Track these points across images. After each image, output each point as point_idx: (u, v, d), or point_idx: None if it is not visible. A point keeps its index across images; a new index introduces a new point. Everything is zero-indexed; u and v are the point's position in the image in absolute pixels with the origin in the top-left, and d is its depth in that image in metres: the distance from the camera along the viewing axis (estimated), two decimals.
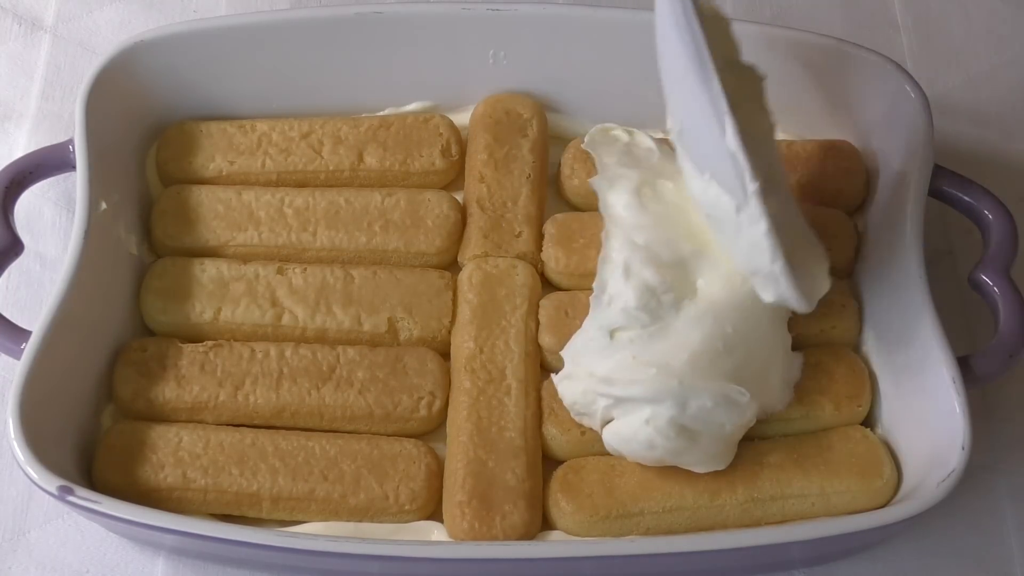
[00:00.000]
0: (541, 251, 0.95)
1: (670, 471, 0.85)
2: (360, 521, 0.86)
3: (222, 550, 0.86)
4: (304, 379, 0.90)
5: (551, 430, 0.89)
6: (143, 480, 0.86)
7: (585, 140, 0.95)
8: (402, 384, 0.89)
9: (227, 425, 0.89)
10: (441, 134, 0.99)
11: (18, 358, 0.84)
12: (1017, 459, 0.93)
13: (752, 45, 0.96)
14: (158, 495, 0.86)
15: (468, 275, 0.94)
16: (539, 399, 0.90)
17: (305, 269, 0.94)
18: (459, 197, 0.98)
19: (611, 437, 0.86)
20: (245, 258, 0.95)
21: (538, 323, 0.92)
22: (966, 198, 0.92)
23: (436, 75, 1.00)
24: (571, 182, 0.98)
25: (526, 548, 0.81)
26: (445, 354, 0.92)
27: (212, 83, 0.99)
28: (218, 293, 0.93)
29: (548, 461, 0.89)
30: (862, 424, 0.90)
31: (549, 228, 0.96)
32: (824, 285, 0.85)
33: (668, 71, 0.85)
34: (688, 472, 0.85)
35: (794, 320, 0.91)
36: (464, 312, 0.92)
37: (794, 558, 0.88)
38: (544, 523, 0.86)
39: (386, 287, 0.93)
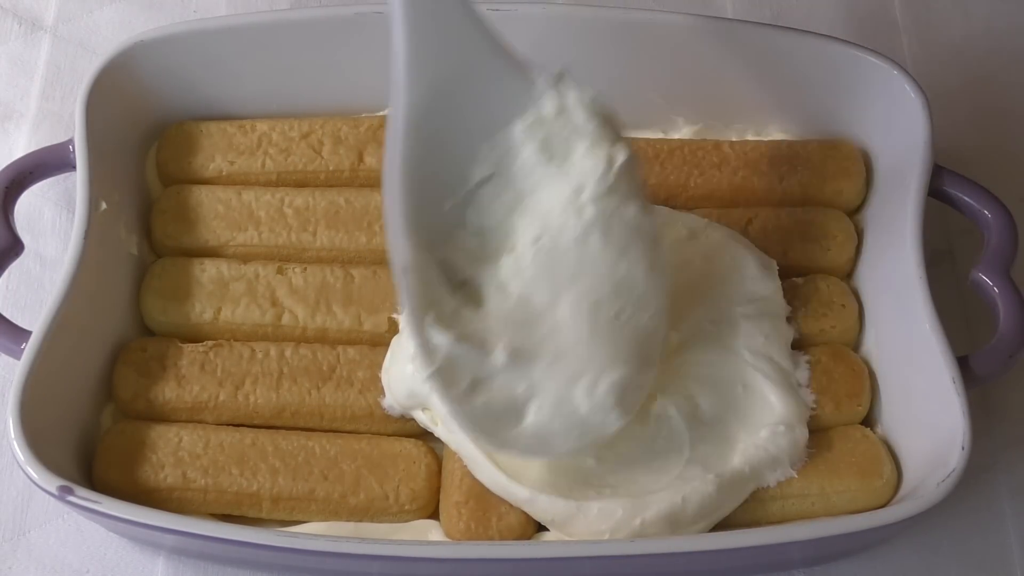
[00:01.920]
0: None
1: None
2: (360, 521, 0.87)
3: (222, 550, 0.86)
4: (304, 379, 0.90)
5: None
6: (143, 480, 0.86)
7: None
8: None
9: (227, 425, 0.89)
10: None
11: (18, 358, 0.84)
12: (1017, 459, 0.93)
13: (752, 45, 0.97)
14: (158, 495, 0.86)
15: None
16: None
17: (305, 269, 0.94)
18: None
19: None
20: (245, 258, 0.95)
21: None
22: (966, 198, 0.92)
23: None
24: None
25: (526, 548, 0.81)
26: None
27: (212, 83, 0.99)
28: (218, 293, 0.93)
29: None
30: (862, 424, 0.90)
31: None
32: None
33: None
34: None
35: (793, 320, 0.92)
36: None
37: (794, 558, 0.88)
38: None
39: (386, 287, 0.93)
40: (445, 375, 0.77)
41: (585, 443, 0.80)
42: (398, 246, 0.78)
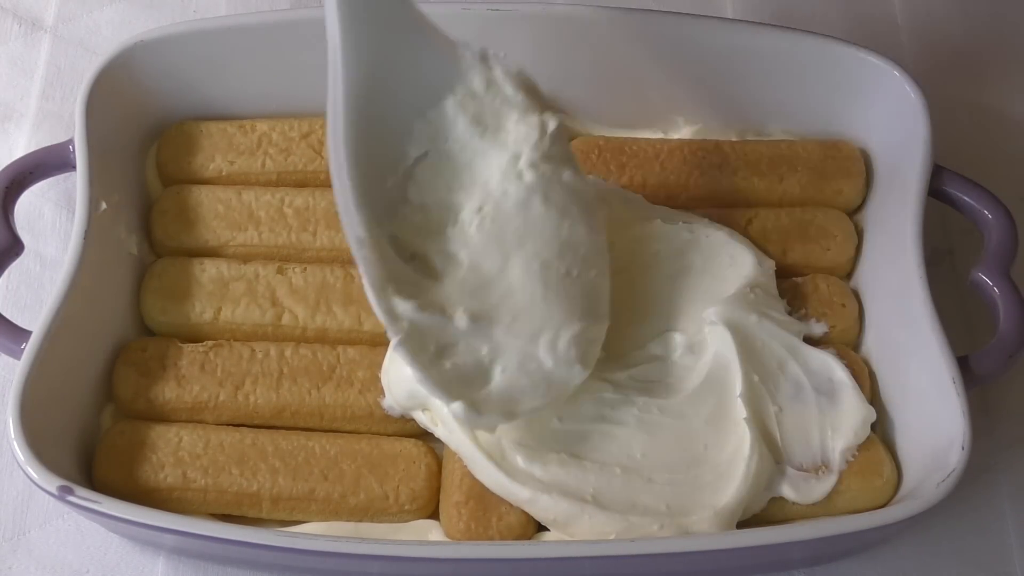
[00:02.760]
0: None
1: None
2: (360, 521, 0.87)
3: (222, 550, 0.86)
4: (304, 379, 0.90)
5: None
6: (143, 480, 0.86)
7: None
8: None
9: (227, 425, 0.89)
10: None
11: (18, 358, 0.84)
12: (1017, 459, 0.93)
13: (753, 45, 0.97)
14: (158, 495, 0.86)
15: None
16: None
17: (305, 269, 0.94)
18: None
19: None
20: (245, 258, 0.95)
21: None
22: (966, 198, 0.92)
23: None
24: None
25: (526, 548, 0.81)
26: None
27: (212, 83, 0.99)
28: (218, 293, 0.93)
29: None
30: None
31: None
32: None
33: None
34: None
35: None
36: None
37: (794, 558, 0.88)
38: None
39: None
40: (412, 343, 0.79)
41: (552, 398, 0.82)
42: (351, 220, 0.79)
